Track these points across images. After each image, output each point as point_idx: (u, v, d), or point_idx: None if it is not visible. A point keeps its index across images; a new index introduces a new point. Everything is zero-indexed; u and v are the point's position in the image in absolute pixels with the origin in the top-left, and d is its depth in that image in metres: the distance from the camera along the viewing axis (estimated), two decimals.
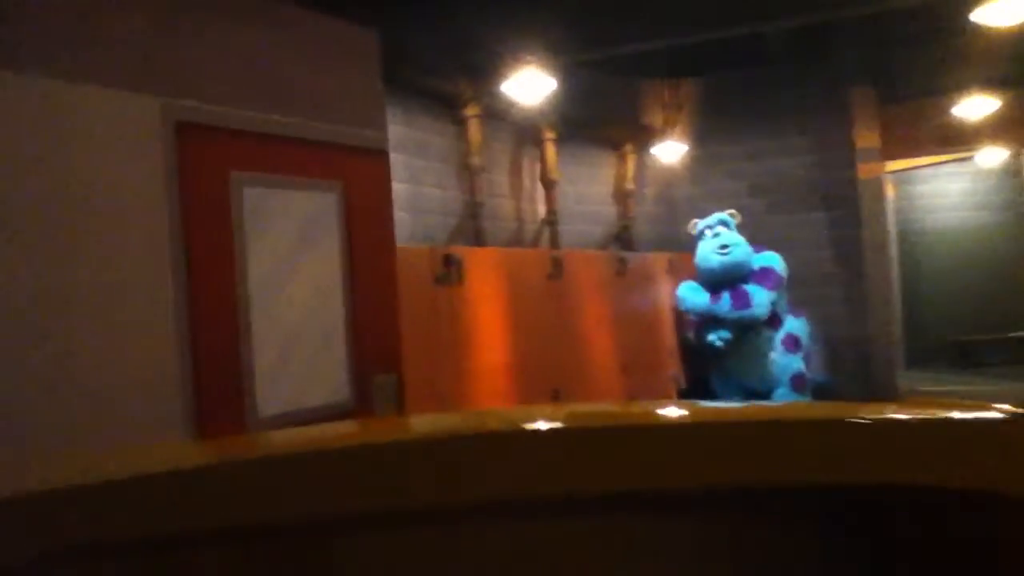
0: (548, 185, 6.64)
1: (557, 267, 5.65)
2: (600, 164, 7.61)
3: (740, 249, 6.77)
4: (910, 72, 7.19)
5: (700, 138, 7.95)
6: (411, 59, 5.05)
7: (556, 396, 5.23)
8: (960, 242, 10.03)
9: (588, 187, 7.46)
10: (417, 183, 5.59)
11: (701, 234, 6.99)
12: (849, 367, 7.47)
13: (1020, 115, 7.16)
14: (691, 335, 7.12)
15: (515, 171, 6.60)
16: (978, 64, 6.37)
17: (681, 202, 8.05)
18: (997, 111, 6.95)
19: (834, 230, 7.64)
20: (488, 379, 4.77)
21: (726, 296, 6.70)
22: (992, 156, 9.50)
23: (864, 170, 7.29)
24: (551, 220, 6.62)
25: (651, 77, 7.60)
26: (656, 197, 8.09)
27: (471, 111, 5.79)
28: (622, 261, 6.44)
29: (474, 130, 5.83)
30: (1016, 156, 9.27)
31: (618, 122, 7.48)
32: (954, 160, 9.41)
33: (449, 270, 4.61)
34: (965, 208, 10.09)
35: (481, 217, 5.91)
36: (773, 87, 7.73)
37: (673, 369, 7.00)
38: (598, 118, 7.21)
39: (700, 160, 8.03)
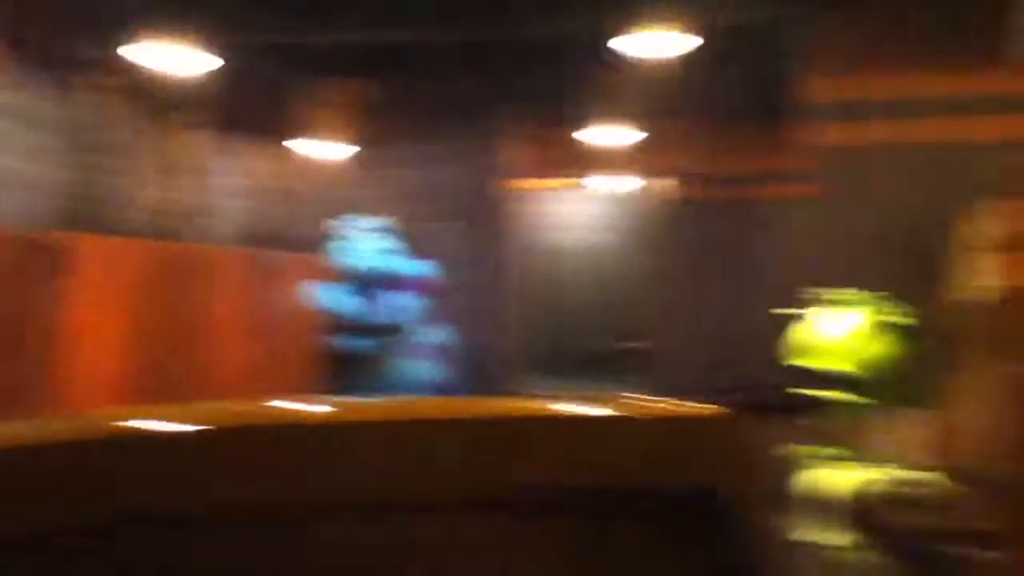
0: (190, 172, 6.05)
1: (186, 263, 5.11)
2: (255, 156, 7.12)
3: (394, 255, 6.71)
4: (555, 95, 7.62)
5: (361, 140, 7.78)
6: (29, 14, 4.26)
7: None
8: (586, 261, 10.98)
9: (238, 179, 6.93)
10: (30, 159, 4.76)
11: (355, 236, 6.81)
12: (487, 375, 7.71)
13: (655, 145, 7.87)
14: (333, 340, 6.90)
15: (152, 153, 5.91)
16: (619, 93, 6.87)
17: (337, 203, 7.82)
18: (636, 141, 7.59)
19: (478, 242, 7.86)
20: (91, 389, 4.13)
21: (378, 301, 6.59)
22: (628, 183, 10.45)
23: (507, 185, 7.59)
24: (189, 211, 6.03)
25: (320, 73, 7.27)
26: (312, 197, 7.77)
27: (100, 79, 5.06)
28: (264, 259, 6.04)
29: (102, 101, 5.09)
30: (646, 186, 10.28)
31: (277, 115, 7.06)
32: (580, 185, 10.22)
33: (44, 259, 3.91)
34: (599, 229, 11.09)
35: (102, 201, 5.18)
36: (437, 96, 7.79)
37: (310, 377, 6.73)
38: (255, 107, 6.73)
39: (360, 163, 7.86)
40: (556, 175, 8.45)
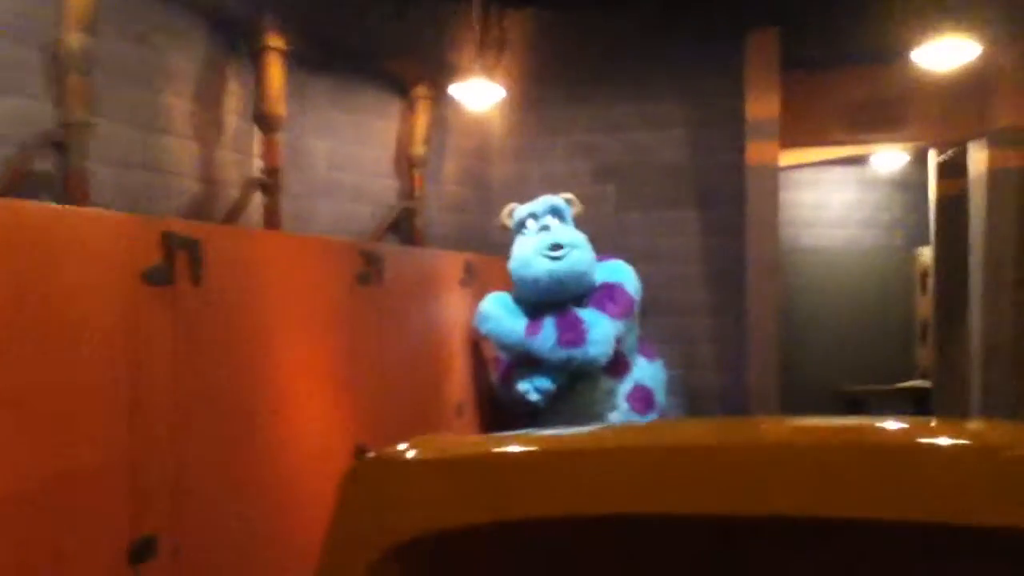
0: (268, 125, 4.03)
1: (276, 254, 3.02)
2: (373, 113, 5.05)
3: (580, 253, 4.38)
4: (831, 20, 5.07)
5: (530, 96, 5.53)
6: None
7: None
8: (845, 268, 8.15)
9: (350, 146, 4.88)
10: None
11: (521, 225, 4.56)
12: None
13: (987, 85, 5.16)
14: (496, 380, 4.67)
15: (206, 96, 3.95)
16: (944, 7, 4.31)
17: (495, 181, 5.62)
18: (957, 76, 4.92)
19: (709, 238, 5.40)
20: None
21: (550, 324, 4.29)
22: (889, 160, 7.62)
23: (756, 153, 5.07)
24: (270, 182, 4.00)
25: None
26: (459, 171, 5.61)
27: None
28: (375, 260, 3.84)
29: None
30: (918, 160, 7.42)
31: (405, 51, 4.96)
32: (848, 160, 7.49)
33: None
34: (851, 225, 8.24)
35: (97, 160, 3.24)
36: (638, 32, 5.43)
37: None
38: (370, 38, 4.67)
39: (528, 125, 5.62)
40: (823, 141, 5.81)
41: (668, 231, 5.39)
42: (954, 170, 6.80)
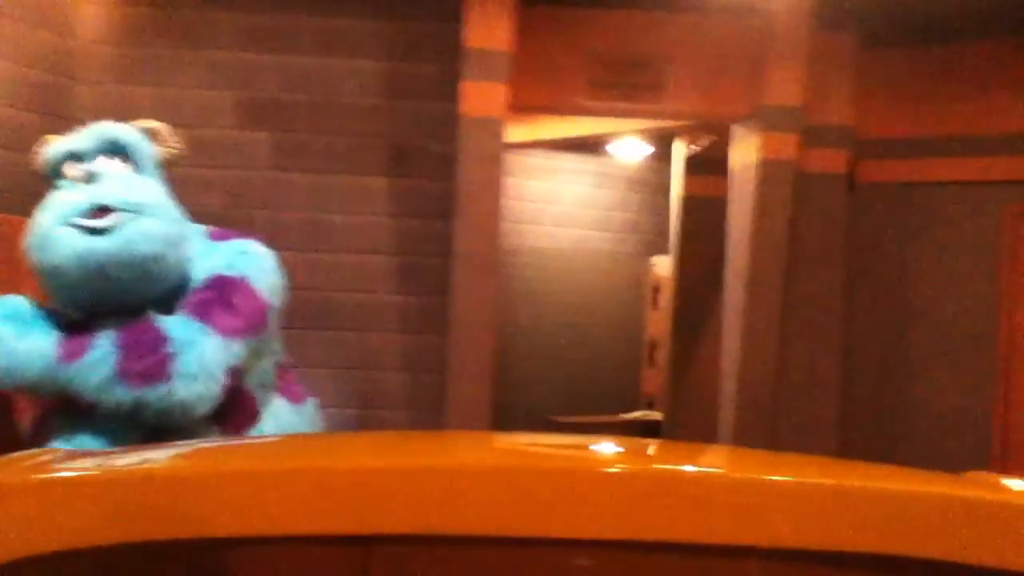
0: None
1: None
2: None
3: (147, 223, 2.49)
4: None
5: None
6: None
7: None
8: (569, 274, 6.89)
9: None
10: None
11: (57, 173, 2.61)
12: None
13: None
14: (28, 437, 2.69)
15: None
16: None
17: (82, 108, 3.60)
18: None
19: (406, 218, 3.75)
20: None
21: (106, 342, 2.42)
22: (630, 150, 6.46)
23: (476, 98, 3.48)
24: None
25: None
26: (19, 87, 3.51)
27: None
28: None
29: None
30: (660, 156, 6.33)
31: None
32: (584, 146, 6.22)
33: None
34: (581, 224, 7.02)
35: None
36: None
37: None
38: None
39: (141, 28, 3.68)
40: (567, 107, 4.39)
41: (346, 204, 3.68)
42: (704, 166, 5.74)
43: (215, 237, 2.85)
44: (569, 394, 6.67)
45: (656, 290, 6.81)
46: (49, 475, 1.30)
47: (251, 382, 2.78)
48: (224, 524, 1.14)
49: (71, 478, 1.30)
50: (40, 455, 1.45)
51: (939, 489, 1.22)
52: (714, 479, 1.27)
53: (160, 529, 1.13)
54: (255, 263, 2.75)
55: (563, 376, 6.75)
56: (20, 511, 1.16)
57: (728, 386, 4.56)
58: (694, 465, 1.45)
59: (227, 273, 2.69)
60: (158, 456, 1.51)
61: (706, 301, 5.52)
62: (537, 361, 6.80)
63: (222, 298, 2.63)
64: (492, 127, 3.46)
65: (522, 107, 4.12)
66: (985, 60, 4.50)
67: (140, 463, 1.41)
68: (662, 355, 6.36)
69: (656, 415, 6.40)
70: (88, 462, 1.45)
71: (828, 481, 1.24)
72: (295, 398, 2.98)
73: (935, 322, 4.58)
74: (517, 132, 4.77)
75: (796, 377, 4.45)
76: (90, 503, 1.16)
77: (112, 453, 1.53)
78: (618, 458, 1.49)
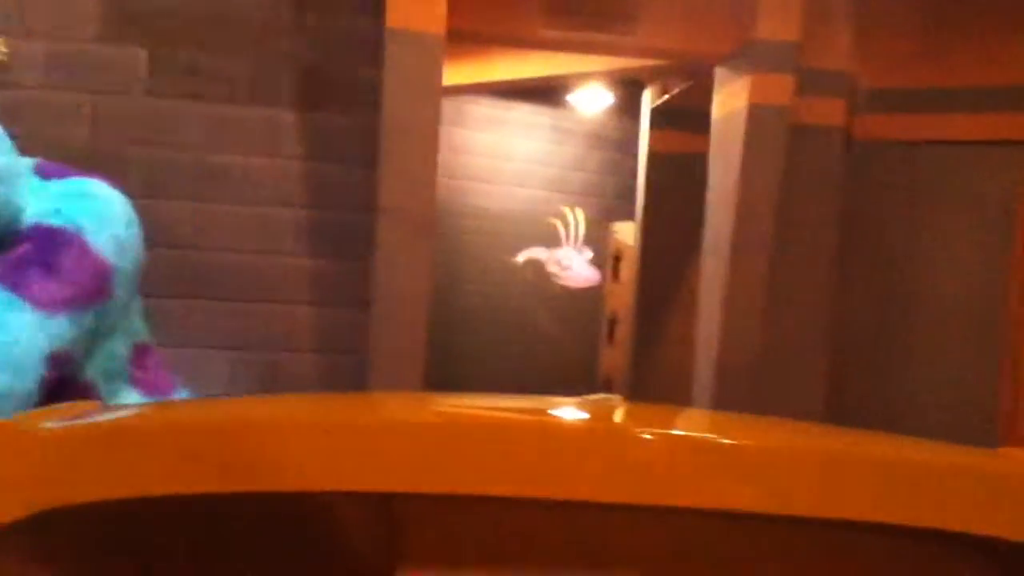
0: None
1: None
2: None
3: None
4: None
5: None
6: None
7: None
8: (520, 240, 6.21)
9: None
10: None
11: None
12: None
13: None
14: None
15: None
16: None
17: None
18: None
19: (318, 161, 3.03)
20: None
21: None
22: (592, 99, 5.78)
23: (406, 7, 2.76)
24: None
25: None
26: None
27: None
28: None
29: None
30: (624, 109, 5.66)
31: None
32: (540, 95, 5.53)
33: None
34: (534, 184, 6.33)
35: None
36: None
37: None
38: None
39: None
40: (522, 37, 3.69)
41: (244, 142, 2.94)
42: (675, 119, 5.08)
43: (46, 174, 2.11)
44: (515, 376, 6.02)
45: (617, 259, 6.17)
46: (92, 421, 1.24)
47: (92, 371, 2.07)
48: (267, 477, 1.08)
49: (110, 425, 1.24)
50: (78, 406, 1.34)
51: (976, 461, 1.14)
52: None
53: (198, 481, 1.07)
54: (93, 209, 2.01)
55: (509, 355, 6.10)
56: (67, 459, 1.10)
57: (704, 371, 3.95)
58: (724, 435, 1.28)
59: (52, 223, 1.95)
60: (223, 407, 1.43)
61: (675, 272, 4.89)
62: (479, 340, 6.13)
63: (41, 257, 1.89)
64: (428, 45, 2.74)
65: (463, 35, 3.40)
66: (1006, 0, 3.91)
67: (203, 411, 1.33)
68: (623, 332, 5.75)
69: (615, 398, 5.81)
70: (128, 411, 1.43)
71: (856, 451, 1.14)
72: (157, 389, 2.26)
73: (938, 301, 4.02)
74: (457, 72, 4.05)
75: (778, 361, 3.86)
76: (140, 453, 1.10)
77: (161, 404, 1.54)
78: (644, 421, 1.40)
